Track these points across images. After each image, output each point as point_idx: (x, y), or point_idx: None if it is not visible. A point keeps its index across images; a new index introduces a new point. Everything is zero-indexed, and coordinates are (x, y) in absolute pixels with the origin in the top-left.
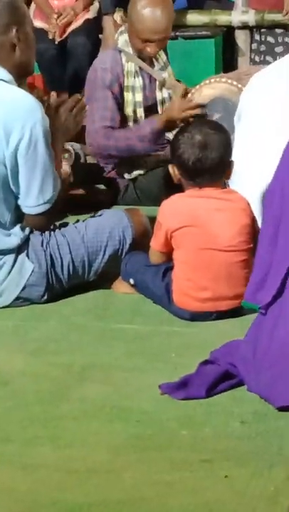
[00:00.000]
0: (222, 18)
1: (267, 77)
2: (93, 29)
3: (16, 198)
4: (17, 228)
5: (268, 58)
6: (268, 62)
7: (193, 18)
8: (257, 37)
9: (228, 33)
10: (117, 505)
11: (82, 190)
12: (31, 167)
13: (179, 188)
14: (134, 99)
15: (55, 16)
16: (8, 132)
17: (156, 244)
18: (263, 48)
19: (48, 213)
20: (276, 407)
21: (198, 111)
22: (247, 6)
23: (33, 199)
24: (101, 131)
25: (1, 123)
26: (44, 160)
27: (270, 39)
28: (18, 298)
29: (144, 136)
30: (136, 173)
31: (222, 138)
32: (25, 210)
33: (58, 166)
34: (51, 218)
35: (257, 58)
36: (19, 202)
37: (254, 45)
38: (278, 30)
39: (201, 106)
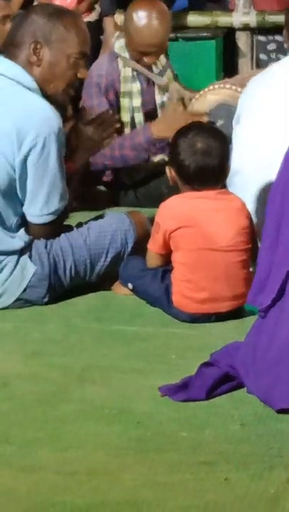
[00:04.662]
0: (223, 19)
1: (265, 79)
2: (94, 31)
3: (22, 204)
4: (22, 231)
5: (280, 55)
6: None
7: (194, 19)
8: (262, 37)
9: (228, 34)
10: (116, 507)
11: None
12: (40, 177)
13: (179, 190)
14: (131, 104)
15: None
16: (21, 138)
17: (154, 246)
18: (273, 46)
19: (51, 224)
20: (275, 409)
21: (205, 119)
22: (249, 8)
23: (38, 209)
24: None
25: (15, 128)
26: (54, 172)
27: (278, 38)
28: (18, 299)
29: (139, 144)
30: (136, 176)
31: (222, 145)
32: (28, 218)
33: (76, 181)
34: (54, 230)
35: (266, 58)
36: (23, 209)
37: (260, 46)
38: None
39: (206, 114)
